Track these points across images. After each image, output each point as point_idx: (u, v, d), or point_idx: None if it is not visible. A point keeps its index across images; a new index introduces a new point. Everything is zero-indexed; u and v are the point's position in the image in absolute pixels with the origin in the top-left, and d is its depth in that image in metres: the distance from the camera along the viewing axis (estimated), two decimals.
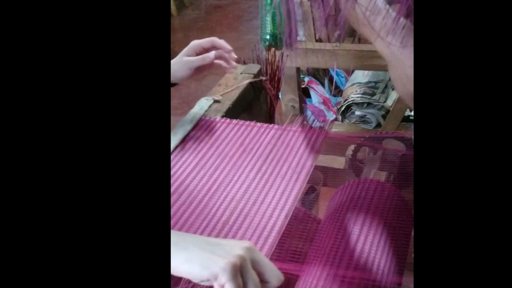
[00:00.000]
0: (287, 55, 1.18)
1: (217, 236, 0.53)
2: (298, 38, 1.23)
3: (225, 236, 0.53)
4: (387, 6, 0.49)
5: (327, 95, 1.74)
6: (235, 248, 0.40)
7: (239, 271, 0.38)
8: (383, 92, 1.56)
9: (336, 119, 1.63)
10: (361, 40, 1.53)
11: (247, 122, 0.73)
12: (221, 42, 0.73)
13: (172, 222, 0.55)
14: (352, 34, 1.34)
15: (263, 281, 0.40)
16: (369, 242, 0.54)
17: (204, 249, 0.40)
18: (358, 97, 1.54)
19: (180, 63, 0.72)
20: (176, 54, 0.78)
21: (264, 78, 0.87)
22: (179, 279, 0.45)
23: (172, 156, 0.66)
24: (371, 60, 1.23)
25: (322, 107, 1.69)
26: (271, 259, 0.49)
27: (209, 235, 0.53)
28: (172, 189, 0.60)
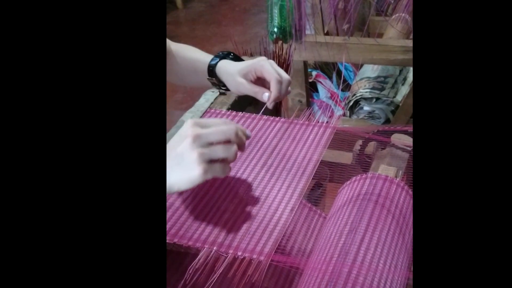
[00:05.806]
0: (295, 48, 1.16)
1: (222, 229, 0.52)
2: (306, 32, 1.22)
3: (230, 229, 0.52)
4: None
5: (335, 90, 1.72)
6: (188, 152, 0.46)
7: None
8: (392, 87, 1.54)
9: (344, 114, 1.61)
10: (371, 33, 1.51)
11: (253, 115, 0.72)
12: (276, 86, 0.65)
13: (176, 215, 0.54)
14: (361, 28, 1.33)
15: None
16: (375, 238, 0.53)
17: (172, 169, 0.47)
18: (366, 92, 1.52)
19: (233, 80, 0.69)
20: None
21: None
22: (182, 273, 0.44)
23: None
24: (381, 54, 1.22)
25: (330, 102, 1.67)
26: (275, 253, 0.49)
27: (214, 227, 0.52)
28: None
